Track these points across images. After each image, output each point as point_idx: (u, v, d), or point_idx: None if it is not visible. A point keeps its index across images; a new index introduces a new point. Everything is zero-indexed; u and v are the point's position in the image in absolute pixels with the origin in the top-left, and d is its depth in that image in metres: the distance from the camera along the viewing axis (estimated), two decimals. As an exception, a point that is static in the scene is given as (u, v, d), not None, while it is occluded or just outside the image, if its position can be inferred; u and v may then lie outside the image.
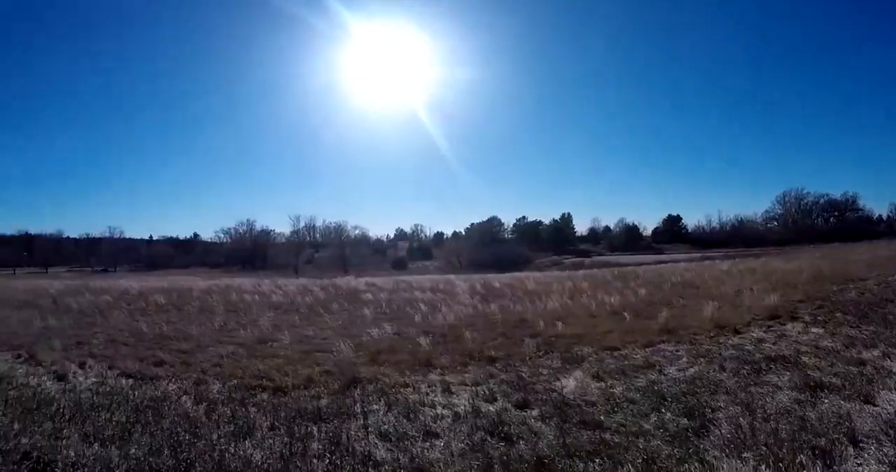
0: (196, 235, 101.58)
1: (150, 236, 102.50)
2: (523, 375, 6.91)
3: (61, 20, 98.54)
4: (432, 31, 76.15)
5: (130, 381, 7.24)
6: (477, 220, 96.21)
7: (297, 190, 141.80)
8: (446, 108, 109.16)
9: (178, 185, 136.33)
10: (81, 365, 8.12)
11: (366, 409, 5.77)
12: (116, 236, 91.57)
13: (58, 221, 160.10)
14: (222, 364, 8.03)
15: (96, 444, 5.04)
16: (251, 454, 4.56)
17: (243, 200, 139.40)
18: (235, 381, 7.05)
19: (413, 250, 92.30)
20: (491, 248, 67.98)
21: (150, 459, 4.63)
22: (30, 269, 73.38)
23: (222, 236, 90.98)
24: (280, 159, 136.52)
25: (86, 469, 4.47)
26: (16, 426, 5.39)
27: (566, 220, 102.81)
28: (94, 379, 7.38)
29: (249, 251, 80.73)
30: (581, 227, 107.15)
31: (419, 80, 79.10)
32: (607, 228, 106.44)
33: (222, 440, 5.05)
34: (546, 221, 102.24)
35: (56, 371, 7.69)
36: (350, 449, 4.57)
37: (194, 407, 6.15)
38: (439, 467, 4.22)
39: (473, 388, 6.44)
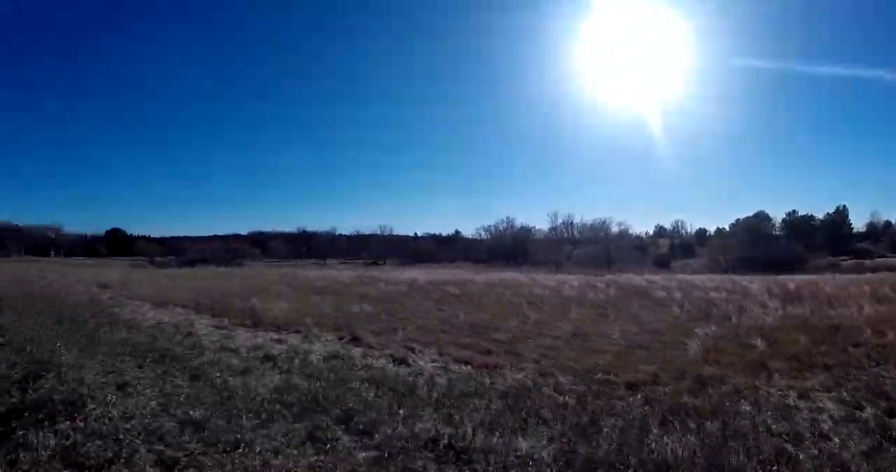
0: (457, 232, 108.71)
1: (415, 233, 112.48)
2: (870, 384, 6.56)
3: (325, 20, 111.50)
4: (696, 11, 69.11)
5: (468, 368, 7.44)
6: (742, 215, 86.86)
7: (553, 187, 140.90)
8: (703, 98, 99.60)
9: (442, 186, 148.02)
10: (411, 350, 8.55)
11: (735, 408, 5.65)
12: (386, 233, 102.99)
13: (333, 220, 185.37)
14: (554, 357, 7.99)
15: (502, 434, 4.99)
16: (680, 448, 4.54)
17: (502, 198, 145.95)
18: (599, 375, 6.98)
19: (674, 248, 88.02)
20: (759, 246, 61.12)
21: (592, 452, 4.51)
22: (308, 260, 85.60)
23: (483, 232, 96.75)
24: (536, 158, 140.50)
25: (513, 461, 4.43)
26: (400, 411, 5.54)
27: (841, 214, 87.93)
28: (432, 364, 7.73)
29: (510, 248, 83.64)
30: (857, 222, 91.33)
31: (673, 69, 72.03)
32: (888, 224, 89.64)
33: (622, 433, 4.96)
34: (818, 215, 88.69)
35: (392, 355, 8.17)
36: (758, 446, 4.56)
37: (562, 398, 6.13)
38: (855, 464, 4.24)
39: (829, 394, 6.23)
